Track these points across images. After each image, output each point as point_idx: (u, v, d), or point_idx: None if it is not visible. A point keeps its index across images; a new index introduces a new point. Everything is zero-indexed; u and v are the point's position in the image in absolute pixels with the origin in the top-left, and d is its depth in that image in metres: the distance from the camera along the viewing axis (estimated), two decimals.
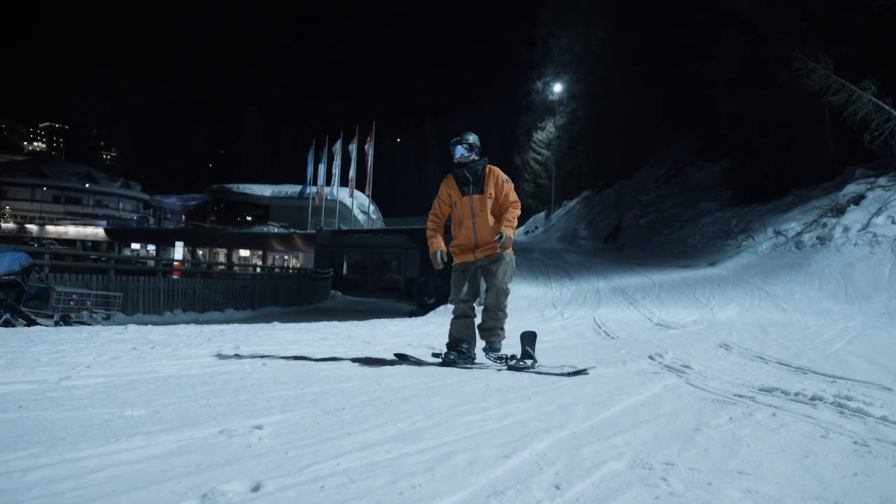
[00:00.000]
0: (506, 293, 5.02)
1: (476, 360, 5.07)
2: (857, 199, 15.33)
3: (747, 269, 15.15)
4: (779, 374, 4.62)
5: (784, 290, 12.46)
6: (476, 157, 5.13)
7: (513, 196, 5.13)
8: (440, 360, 5.05)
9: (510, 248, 5.07)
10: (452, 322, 5.13)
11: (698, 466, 2.19)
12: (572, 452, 2.34)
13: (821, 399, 3.46)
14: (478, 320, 5.10)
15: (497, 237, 4.89)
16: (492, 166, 5.15)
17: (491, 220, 5.04)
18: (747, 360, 5.50)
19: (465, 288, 5.08)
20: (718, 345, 6.66)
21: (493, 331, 5.01)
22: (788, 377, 4.49)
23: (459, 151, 5.09)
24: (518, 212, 5.15)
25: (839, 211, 15.33)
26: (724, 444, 2.51)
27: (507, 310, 5.11)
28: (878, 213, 14.11)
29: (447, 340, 5.13)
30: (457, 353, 4.99)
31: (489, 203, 5.06)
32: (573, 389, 3.80)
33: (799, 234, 15.86)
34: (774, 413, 3.14)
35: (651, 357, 5.55)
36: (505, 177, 5.15)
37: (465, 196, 5.09)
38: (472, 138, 5.14)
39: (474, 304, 5.15)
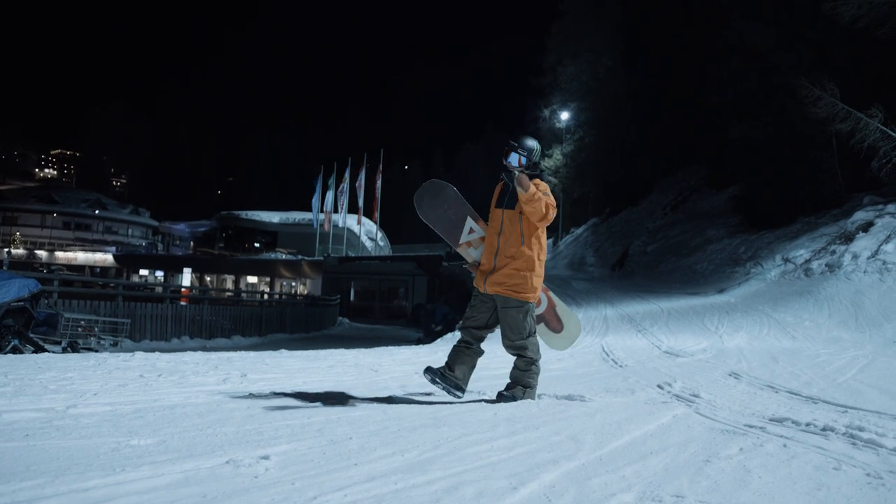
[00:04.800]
0: (525, 347, 4.44)
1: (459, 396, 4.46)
2: (866, 227, 15.28)
3: (756, 297, 15.07)
4: (789, 404, 4.57)
5: (793, 318, 12.37)
6: (528, 170, 4.52)
7: (550, 197, 4.40)
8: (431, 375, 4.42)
9: (533, 297, 4.44)
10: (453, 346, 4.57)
11: (709, 499, 2.16)
12: (581, 484, 2.31)
13: (832, 430, 3.42)
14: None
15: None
16: (539, 181, 4.46)
17: (517, 242, 4.40)
18: (757, 389, 5.45)
19: (475, 315, 4.53)
20: (728, 373, 6.60)
21: (514, 380, 4.52)
22: (799, 407, 4.44)
23: (513, 157, 4.51)
24: (549, 200, 4.35)
25: (848, 238, 15.27)
26: (735, 476, 2.48)
27: (538, 365, 4.52)
28: (887, 240, 14.05)
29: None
30: (440, 376, 4.39)
31: (518, 222, 4.42)
32: (581, 419, 3.78)
33: (808, 261, 15.79)
34: (785, 444, 3.10)
35: (660, 386, 5.50)
36: (545, 186, 4.46)
37: (499, 208, 4.51)
38: (531, 144, 4.58)
39: (481, 335, 4.55)
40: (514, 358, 4.58)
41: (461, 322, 4.65)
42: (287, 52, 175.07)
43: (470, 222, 4.87)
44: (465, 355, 4.49)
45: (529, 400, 4.46)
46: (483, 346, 4.61)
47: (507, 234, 4.44)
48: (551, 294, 5.11)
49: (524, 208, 4.33)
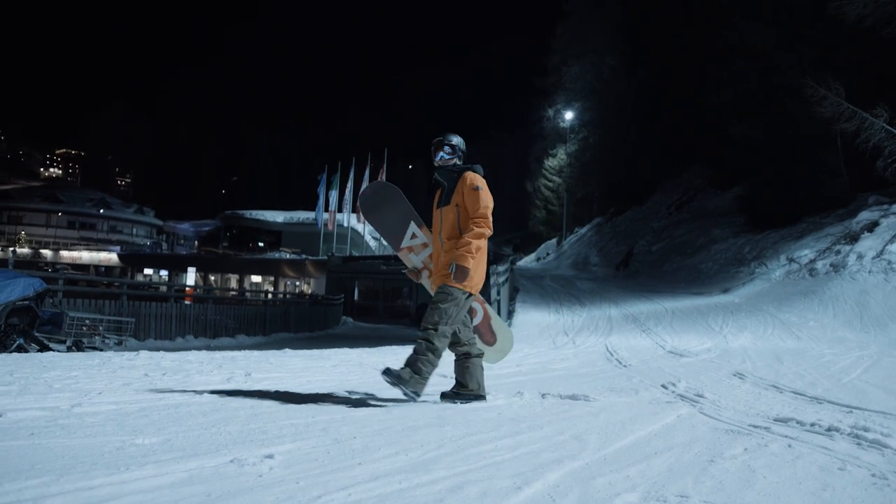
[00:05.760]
0: (432, 336, 4.09)
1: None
2: (871, 227, 15.24)
3: (760, 297, 15.05)
4: (794, 404, 4.56)
5: (798, 318, 12.35)
6: (457, 161, 4.47)
7: (480, 207, 4.15)
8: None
9: (467, 285, 4.14)
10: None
11: (713, 499, 2.16)
12: (585, 484, 2.31)
13: (837, 430, 3.41)
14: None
15: (450, 269, 4.12)
16: (469, 173, 4.30)
17: (455, 234, 4.27)
18: (762, 389, 5.43)
19: None
20: (732, 373, 6.59)
21: (407, 363, 4.13)
22: (804, 407, 4.43)
23: (439, 154, 4.45)
24: (481, 229, 4.15)
25: (853, 238, 15.23)
26: (740, 477, 2.47)
27: (438, 355, 4.15)
28: (892, 240, 14.01)
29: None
30: (457, 397, 4.34)
31: (454, 216, 4.28)
32: (585, 419, 3.77)
33: (812, 261, 15.75)
34: (790, 444, 3.09)
35: (664, 386, 5.49)
36: (476, 183, 4.21)
37: (437, 209, 4.40)
38: (456, 140, 4.49)
39: (467, 340, 4.39)
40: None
41: None
42: (287, 52, 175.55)
43: (413, 227, 4.84)
44: (468, 366, 4.41)
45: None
46: (478, 346, 4.54)
47: (446, 229, 4.31)
48: (487, 307, 5.05)
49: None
